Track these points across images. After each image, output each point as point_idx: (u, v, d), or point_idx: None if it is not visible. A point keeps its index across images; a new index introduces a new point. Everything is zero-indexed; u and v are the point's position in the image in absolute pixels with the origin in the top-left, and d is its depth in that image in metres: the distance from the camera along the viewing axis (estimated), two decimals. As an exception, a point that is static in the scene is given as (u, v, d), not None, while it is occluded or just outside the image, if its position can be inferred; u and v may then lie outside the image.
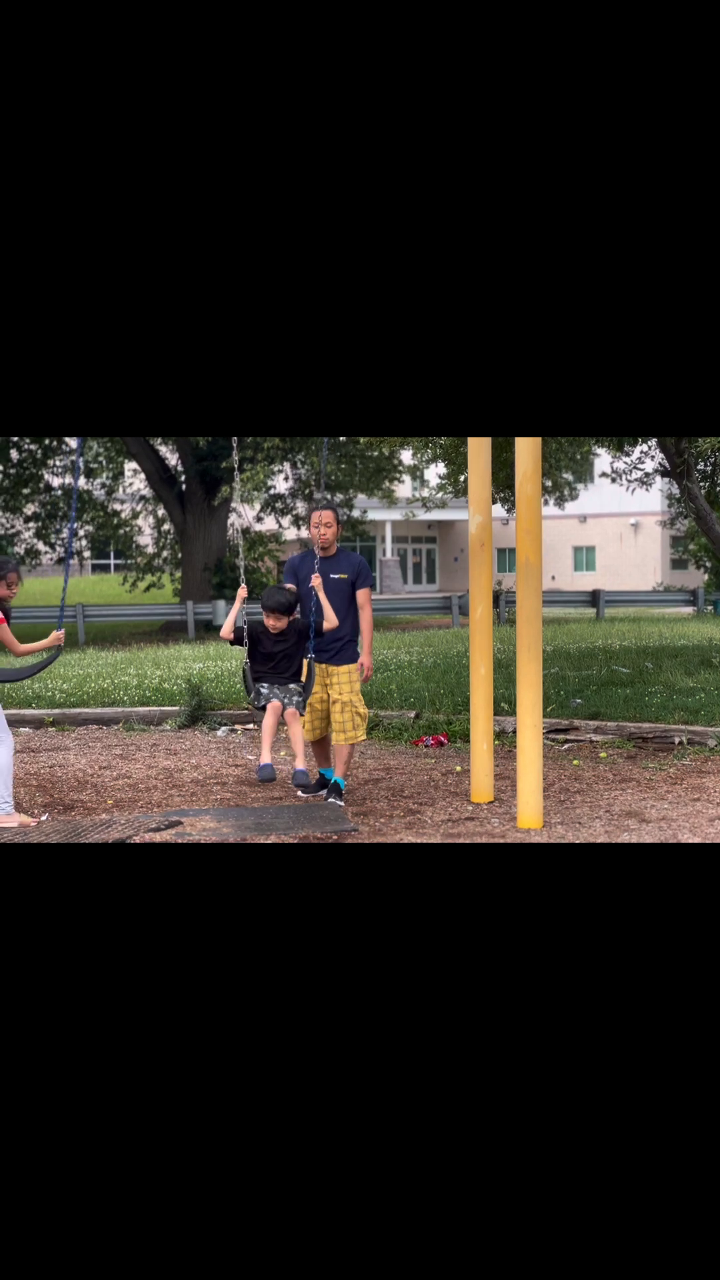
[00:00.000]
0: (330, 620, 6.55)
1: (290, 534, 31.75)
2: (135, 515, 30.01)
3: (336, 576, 6.87)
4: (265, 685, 6.52)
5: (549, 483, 25.85)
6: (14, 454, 26.32)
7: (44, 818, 6.60)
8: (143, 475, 27.52)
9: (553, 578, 44.24)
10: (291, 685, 6.55)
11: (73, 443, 25.00)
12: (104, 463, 28.98)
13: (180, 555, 27.46)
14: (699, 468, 14.26)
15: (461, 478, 23.53)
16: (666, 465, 14.04)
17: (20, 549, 27.65)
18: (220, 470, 24.28)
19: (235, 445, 6.94)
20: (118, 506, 30.30)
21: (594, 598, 26.63)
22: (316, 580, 6.55)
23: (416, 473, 27.99)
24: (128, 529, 29.53)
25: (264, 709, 6.49)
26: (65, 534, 27.76)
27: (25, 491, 26.89)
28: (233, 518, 26.42)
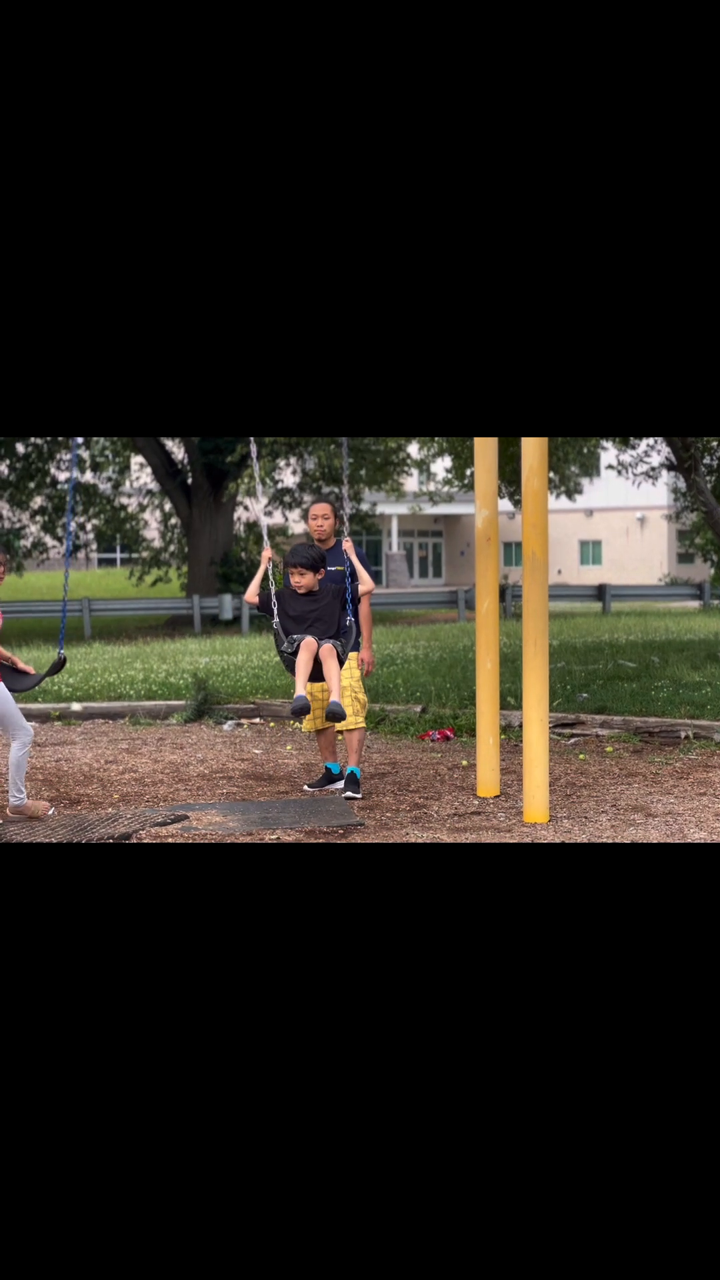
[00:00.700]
0: (366, 583, 6.50)
1: (298, 527, 31.73)
2: (142, 509, 30.02)
3: (335, 568, 6.87)
4: (298, 634, 6.39)
5: (556, 476, 25.82)
6: (20, 448, 26.34)
7: (50, 811, 6.61)
8: (149, 469, 27.53)
9: (559, 572, 44.20)
10: (329, 636, 6.38)
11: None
12: (110, 456, 28.99)
13: (186, 549, 27.48)
14: (706, 462, 14.24)
15: (468, 472, 23.51)
16: (673, 459, 14.02)
17: (27, 542, 27.69)
18: (225, 464, 24.26)
19: (253, 445, 6.89)
20: (125, 500, 30.32)
21: (600, 592, 26.63)
22: (348, 544, 6.53)
23: (423, 466, 27.97)
24: (134, 523, 29.56)
25: (295, 653, 6.29)
26: (79, 528, 27.79)
27: (32, 485, 26.92)
28: (240, 511, 26.41)
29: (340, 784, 7.26)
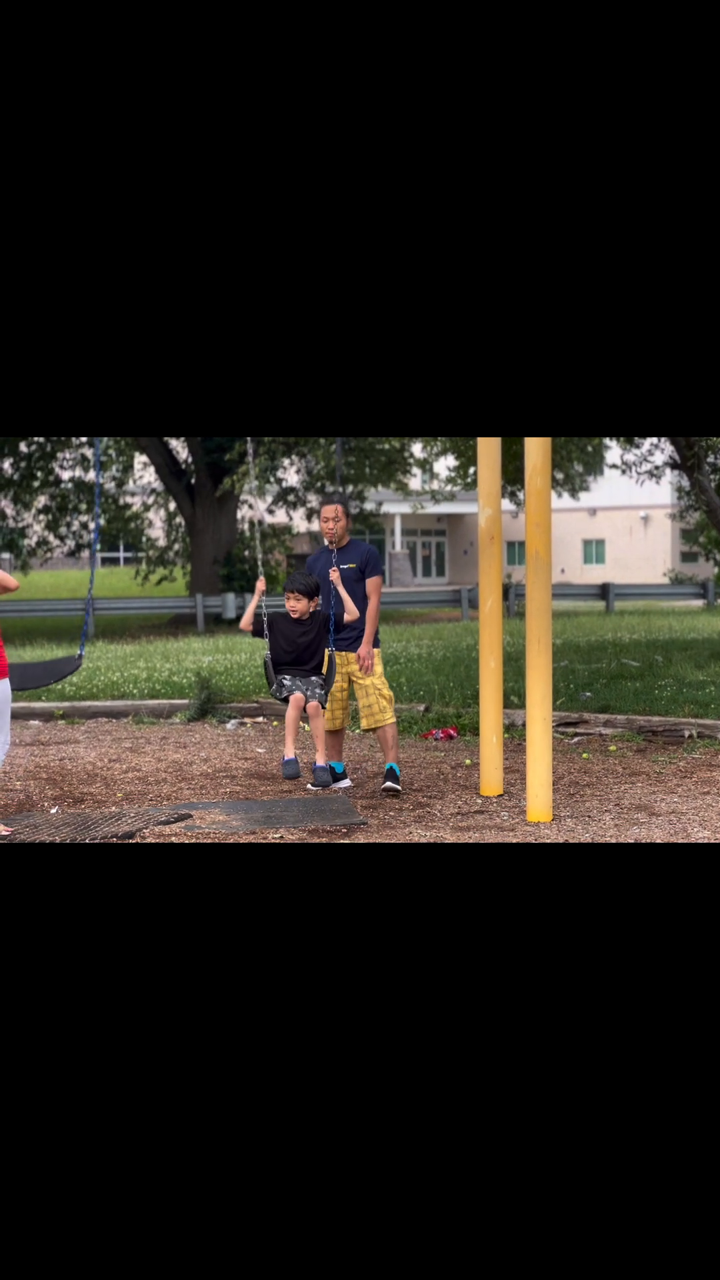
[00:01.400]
0: (351, 612, 6.70)
1: (301, 526, 31.73)
2: (146, 508, 30.02)
3: (347, 566, 7.03)
4: (288, 677, 6.62)
5: (560, 475, 25.80)
6: (23, 447, 26.34)
7: (54, 810, 6.62)
8: (153, 468, 27.53)
9: (562, 571, 44.17)
10: (314, 678, 6.65)
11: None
12: (114, 455, 28.99)
13: (190, 548, 27.48)
14: (709, 460, 14.23)
15: (471, 470, 23.49)
16: (677, 458, 14.01)
17: (31, 541, 27.69)
18: (226, 461, 24.27)
19: (250, 445, 7.06)
20: (129, 500, 30.33)
21: (604, 591, 26.60)
22: (335, 574, 6.73)
23: (426, 466, 27.94)
24: (138, 522, 29.56)
25: (286, 700, 6.58)
26: (82, 528, 27.80)
27: (35, 485, 26.93)
28: (243, 510, 26.40)
29: (345, 783, 7.37)
